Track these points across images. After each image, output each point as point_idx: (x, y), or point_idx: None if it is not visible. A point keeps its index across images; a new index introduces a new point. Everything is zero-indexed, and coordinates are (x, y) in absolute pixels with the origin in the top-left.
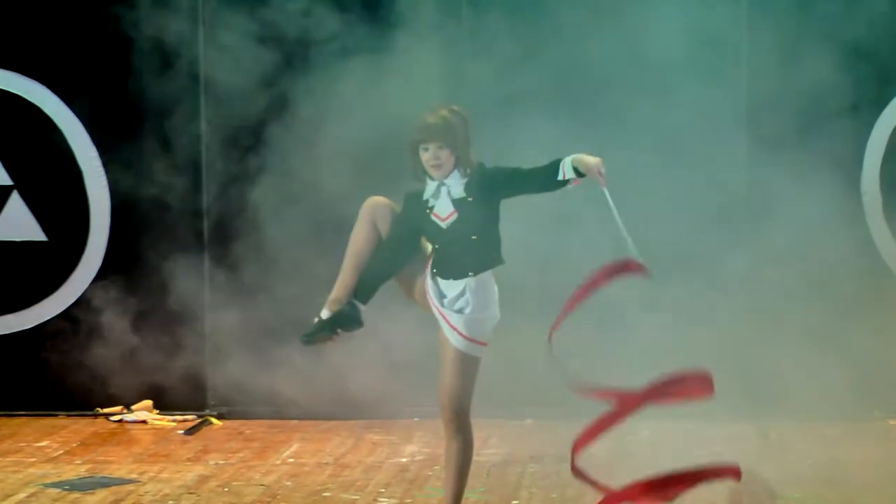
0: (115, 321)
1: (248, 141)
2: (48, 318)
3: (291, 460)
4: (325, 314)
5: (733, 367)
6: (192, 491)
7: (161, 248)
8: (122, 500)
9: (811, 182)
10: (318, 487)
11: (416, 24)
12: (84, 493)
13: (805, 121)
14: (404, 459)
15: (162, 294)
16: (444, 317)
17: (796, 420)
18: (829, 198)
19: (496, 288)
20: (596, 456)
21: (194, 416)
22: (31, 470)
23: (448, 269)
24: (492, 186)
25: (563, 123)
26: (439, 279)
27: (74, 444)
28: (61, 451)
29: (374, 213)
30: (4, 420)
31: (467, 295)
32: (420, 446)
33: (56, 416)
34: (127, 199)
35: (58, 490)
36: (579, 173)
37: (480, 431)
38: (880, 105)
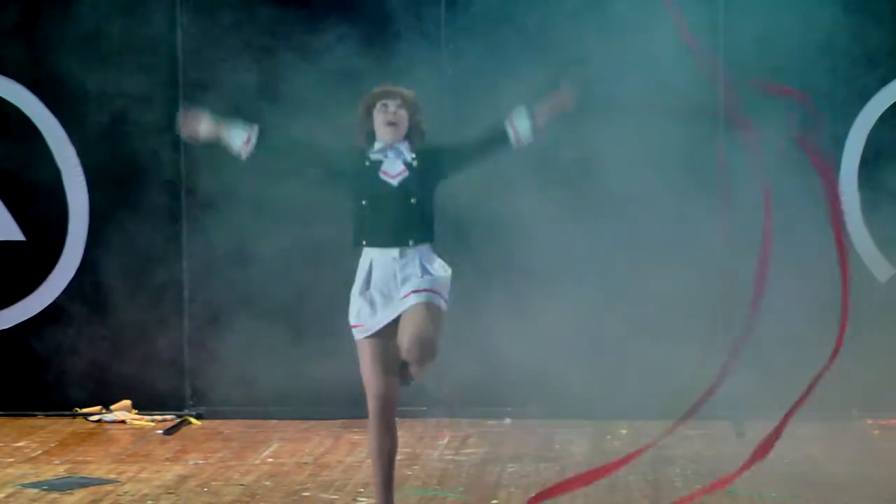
0: (93, 321)
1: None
2: (26, 318)
3: (271, 460)
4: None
5: (710, 365)
6: (171, 491)
7: (140, 250)
8: (100, 500)
9: (789, 183)
10: (298, 487)
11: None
12: (63, 494)
13: (782, 121)
14: None
15: (141, 295)
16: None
17: (773, 418)
18: (806, 198)
19: (447, 274)
20: (577, 454)
21: (173, 416)
22: (9, 470)
23: (383, 234)
24: (437, 159)
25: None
26: (372, 250)
27: (53, 444)
28: (40, 451)
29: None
30: None
31: (415, 263)
32: (399, 446)
33: (34, 416)
34: (105, 199)
35: (36, 490)
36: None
37: (459, 431)
38: (858, 105)
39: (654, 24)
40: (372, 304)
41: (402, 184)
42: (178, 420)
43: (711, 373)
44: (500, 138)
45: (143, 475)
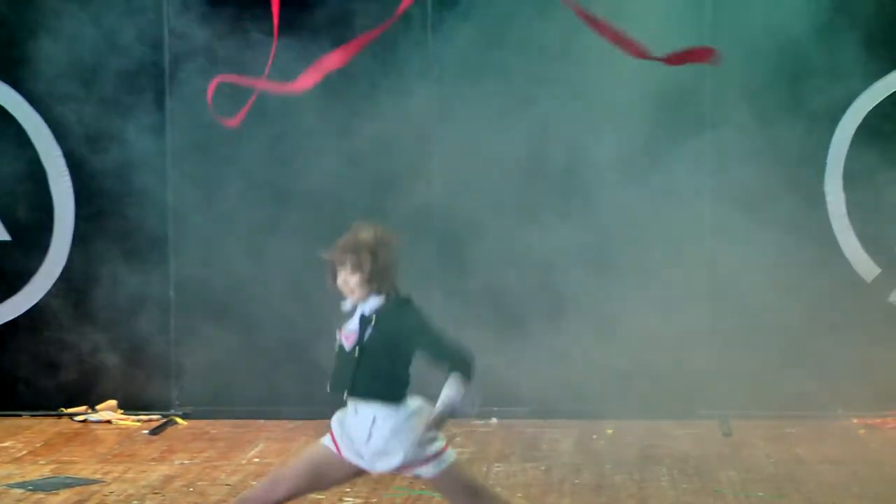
0: (79, 321)
1: (216, 144)
2: (11, 317)
3: (257, 460)
4: None
5: (698, 364)
6: (156, 491)
7: (126, 249)
8: (86, 500)
9: (775, 184)
10: None
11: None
12: (48, 494)
13: (768, 122)
14: None
15: (126, 294)
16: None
17: (759, 417)
18: (792, 199)
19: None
20: (563, 454)
21: (159, 416)
22: None
23: (334, 380)
24: (401, 333)
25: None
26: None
27: (38, 445)
28: (25, 452)
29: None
30: None
31: (369, 426)
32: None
33: (20, 416)
34: (91, 200)
35: (21, 490)
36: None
37: (445, 431)
38: (843, 106)
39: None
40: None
41: (354, 344)
42: (164, 420)
43: (696, 370)
44: (448, 371)
45: (129, 475)
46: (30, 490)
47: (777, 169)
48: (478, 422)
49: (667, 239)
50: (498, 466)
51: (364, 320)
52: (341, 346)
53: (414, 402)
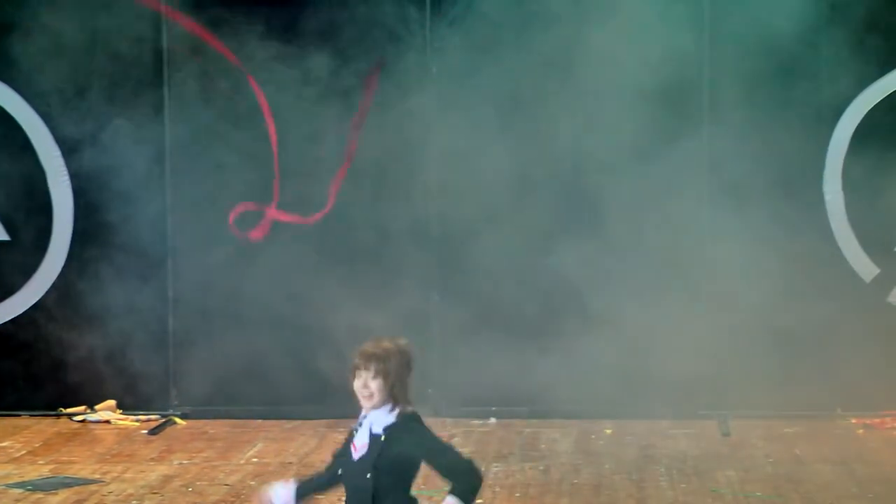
0: (78, 321)
1: (212, 141)
2: (10, 317)
3: (255, 460)
4: None
5: (696, 364)
6: (155, 491)
7: (125, 250)
8: (85, 500)
9: (773, 185)
10: None
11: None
12: (47, 494)
13: (766, 122)
14: None
15: (125, 295)
16: None
17: (757, 416)
18: (791, 199)
19: None
20: (562, 454)
21: (158, 416)
22: None
23: (351, 501)
24: (412, 451)
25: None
26: None
27: (37, 445)
28: (24, 452)
29: None
30: None
31: None
32: None
33: (18, 416)
34: (90, 200)
35: (20, 490)
36: None
37: (444, 431)
38: (842, 106)
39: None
40: None
41: (361, 458)
42: (163, 420)
43: (694, 371)
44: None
45: (128, 475)
46: (29, 490)
47: (775, 169)
48: (476, 421)
49: (665, 240)
50: (496, 466)
51: (374, 438)
52: (349, 460)
53: None
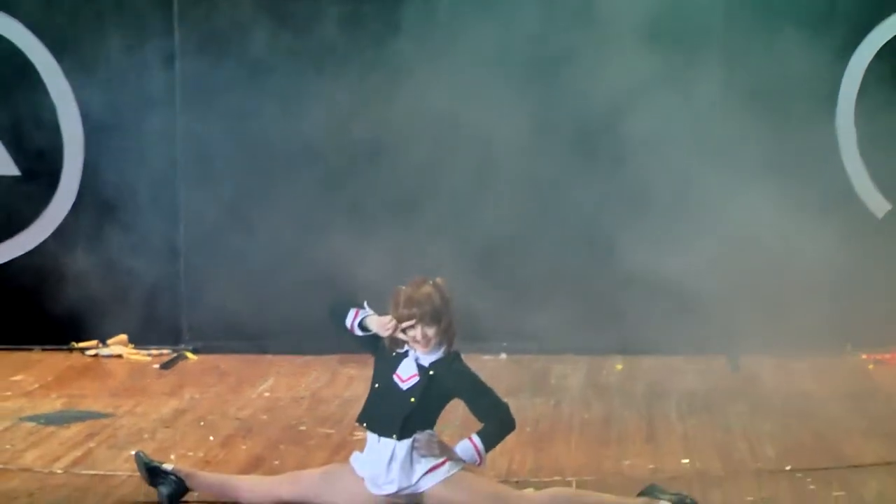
0: (90, 255)
1: (228, 77)
2: (23, 252)
3: (267, 394)
4: (170, 467)
5: (707, 300)
6: (167, 425)
7: (136, 181)
8: (97, 433)
9: (785, 120)
10: (294, 422)
11: None
12: (59, 427)
13: (779, 56)
14: None
15: (137, 227)
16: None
17: (768, 352)
18: (803, 134)
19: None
20: (572, 389)
21: (170, 351)
22: (6, 404)
23: (380, 424)
24: (454, 386)
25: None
26: (370, 434)
27: (50, 378)
28: (37, 385)
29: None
30: None
31: (398, 454)
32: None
33: (31, 349)
34: (100, 131)
35: (33, 423)
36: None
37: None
38: (855, 40)
39: None
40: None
41: (409, 389)
42: (175, 354)
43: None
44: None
45: (140, 409)
46: (41, 423)
47: (787, 105)
48: (487, 356)
49: (675, 174)
50: (507, 401)
51: (422, 370)
52: (391, 384)
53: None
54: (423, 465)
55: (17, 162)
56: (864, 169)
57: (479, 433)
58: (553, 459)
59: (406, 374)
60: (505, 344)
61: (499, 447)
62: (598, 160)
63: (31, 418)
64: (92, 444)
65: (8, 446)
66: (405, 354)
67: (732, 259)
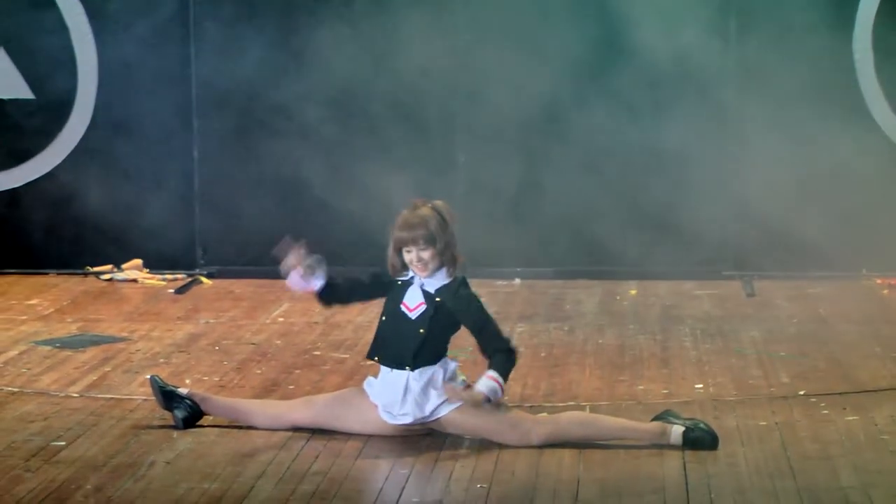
0: (104, 179)
1: (242, 7)
2: (37, 176)
3: (281, 319)
4: (185, 391)
5: (721, 224)
6: (182, 349)
7: (150, 105)
8: (112, 357)
9: (802, 44)
10: (308, 346)
11: None
12: (75, 351)
13: None
14: None
15: (151, 152)
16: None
17: (782, 277)
18: (819, 59)
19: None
20: (586, 314)
21: (184, 276)
22: (22, 328)
23: (391, 356)
24: (459, 311)
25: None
26: (382, 367)
27: (65, 303)
28: (52, 310)
29: (330, 410)
30: None
31: (413, 387)
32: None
33: (46, 274)
34: (115, 54)
35: (49, 347)
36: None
37: None
38: None
39: None
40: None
41: (418, 318)
42: (190, 279)
43: (719, 230)
44: (488, 357)
45: (155, 333)
46: (57, 347)
47: (804, 29)
48: (501, 282)
49: (690, 96)
50: (521, 327)
51: (429, 296)
52: (398, 314)
53: (449, 364)
54: (437, 394)
55: (31, 85)
56: (881, 93)
57: (493, 367)
58: (567, 384)
59: (413, 303)
60: (519, 269)
61: (513, 373)
62: (610, 86)
63: (46, 342)
64: (107, 369)
65: (24, 370)
66: (410, 282)
67: (747, 183)
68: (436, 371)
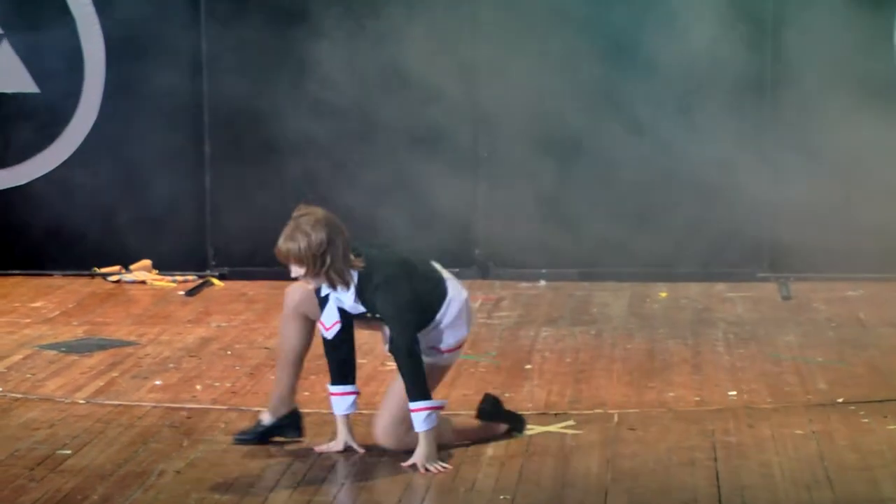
0: (112, 177)
1: None
2: (42, 173)
3: None
4: (266, 419)
5: (757, 224)
6: (193, 354)
7: (159, 104)
8: (120, 362)
9: (839, 37)
10: (322, 350)
11: None
12: (81, 356)
13: None
14: None
15: (160, 149)
16: None
17: (820, 279)
18: (859, 54)
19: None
20: (614, 318)
21: (195, 277)
22: (27, 331)
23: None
24: (377, 308)
25: None
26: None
27: (71, 305)
28: (57, 312)
29: (300, 306)
30: None
31: None
32: None
33: (51, 275)
34: (122, 48)
35: (54, 352)
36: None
37: (492, 293)
38: None
39: None
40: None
41: (334, 338)
42: (200, 281)
43: (755, 230)
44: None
45: (164, 337)
46: (63, 351)
47: (843, 21)
48: (525, 284)
49: (725, 95)
50: (546, 330)
51: (344, 313)
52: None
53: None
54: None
55: (36, 79)
56: None
57: (410, 398)
58: (594, 391)
59: (329, 321)
60: (544, 270)
61: (537, 378)
62: (642, 83)
63: (51, 346)
64: (115, 374)
65: (28, 375)
66: (326, 299)
67: (784, 182)
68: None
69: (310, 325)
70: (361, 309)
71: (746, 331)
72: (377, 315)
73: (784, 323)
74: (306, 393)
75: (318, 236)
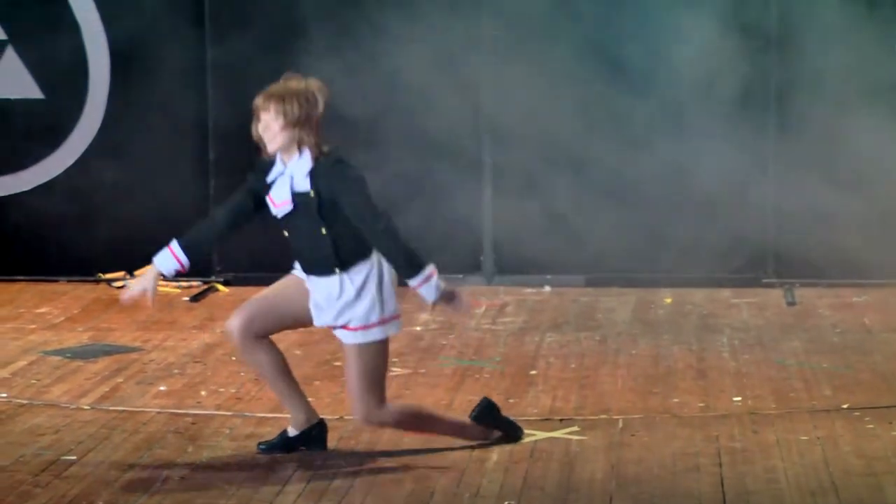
0: (117, 182)
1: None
2: (47, 179)
3: (301, 329)
4: (292, 431)
5: (761, 230)
6: (197, 360)
7: (163, 109)
8: (125, 368)
9: (843, 47)
10: (328, 357)
11: None
12: (86, 362)
13: None
14: (418, 328)
15: (164, 154)
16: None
17: (825, 285)
18: (862, 62)
19: (387, 278)
20: (619, 323)
21: (200, 283)
22: (32, 337)
23: (308, 265)
24: (338, 195)
25: None
26: (307, 276)
27: (76, 311)
28: (62, 318)
29: (247, 332)
30: (2, 285)
31: (347, 290)
32: (434, 315)
33: (56, 281)
34: (127, 55)
35: (59, 358)
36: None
37: (497, 299)
38: None
39: None
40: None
41: (291, 218)
42: (205, 287)
43: (759, 236)
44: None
45: (169, 343)
46: (68, 357)
47: (847, 32)
48: (530, 289)
49: (727, 103)
50: (551, 336)
51: (301, 195)
52: (280, 219)
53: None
54: (345, 316)
55: (41, 85)
56: None
57: (404, 276)
58: (598, 397)
59: (278, 199)
60: (549, 276)
61: (542, 384)
62: (646, 90)
63: (56, 352)
64: (119, 380)
65: (33, 381)
66: (272, 182)
67: (789, 188)
68: (370, 274)
69: (267, 339)
70: (307, 188)
71: (751, 337)
72: (321, 201)
73: (789, 329)
74: (311, 399)
75: (312, 88)
